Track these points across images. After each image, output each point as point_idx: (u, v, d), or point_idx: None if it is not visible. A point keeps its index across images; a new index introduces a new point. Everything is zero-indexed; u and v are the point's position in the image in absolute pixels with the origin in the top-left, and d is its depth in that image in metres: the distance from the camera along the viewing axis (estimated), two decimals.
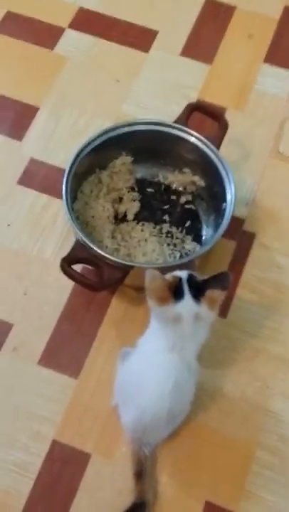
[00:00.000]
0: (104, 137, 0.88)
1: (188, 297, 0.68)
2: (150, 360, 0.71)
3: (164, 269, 0.77)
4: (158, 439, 0.75)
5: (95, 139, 0.87)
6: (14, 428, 0.79)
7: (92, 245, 0.78)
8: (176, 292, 0.68)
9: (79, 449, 0.78)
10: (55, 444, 0.78)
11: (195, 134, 0.88)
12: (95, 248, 0.78)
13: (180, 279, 0.69)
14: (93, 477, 0.76)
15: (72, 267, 0.79)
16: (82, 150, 0.86)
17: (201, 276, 0.71)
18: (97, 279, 0.81)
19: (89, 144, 0.86)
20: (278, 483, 0.77)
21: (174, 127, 0.89)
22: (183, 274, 0.70)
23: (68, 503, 0.75)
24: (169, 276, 0.70)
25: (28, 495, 0.75)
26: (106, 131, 0.88)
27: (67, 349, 0.84)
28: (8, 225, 0.93)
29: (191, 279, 0.70)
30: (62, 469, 0.77)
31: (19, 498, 0.75)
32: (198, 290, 0.68)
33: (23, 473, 0.77)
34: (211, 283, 0.69)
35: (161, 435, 0.75)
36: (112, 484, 0.76)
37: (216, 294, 0.68)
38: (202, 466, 0.78)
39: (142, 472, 0.73)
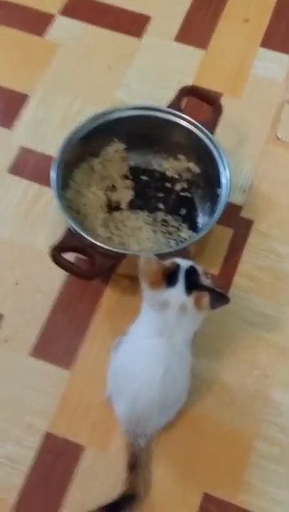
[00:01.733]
0: (95, 123, 0.86)
1: (180, 286, 0.68)
2: (140, 347, 0.70)
3: (158, 257, 0.75)
4: (152, 429, 0.73)
5: (85, 125, 0.85)
6: (6, 421, 0.77)
7: (82, 233, 0.77)
8: (169, 278, 0.68)
9: (72, 442, 0.76)
10: (48, 436, 0.76)
11: (189, 118, 0.86)
12: (84, 235, 0.76)
13: (177, 266, 0.69)
14: (87, 470, 0.75)
15: (65, 256, 0.77)
16: (71, 137, 0.84)
17: (206, 276, 0.71)
18: (90, 268, 0.79)
19: (79, 130, 0.85)
20: (278, 475, 0.75)
21: (167, 112, 0.87)
22: (184, 263, 0.70)
23: (62, 495, 0.73)
24: (167, 261, 0.70)
25: (21, 488, 0.74)
26: (96, 117, 0.86)
27: (60, 340, 0.82)
28: None
29: (192, 271, 0.69)
30: (55, 462, 0.75)
31: (11, 492, 0.73)
32: (193, 284, 0.68)
33: (15, 467, 0.75)
34: (212, 292, 0.68)
35: (156, 425, 0.73)
36: (106, 477, 0.74)
37: (204, 302, 0.68)
38: (200, 458, 0.76)
39: (136, 464, 0.71)
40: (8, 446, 0.76)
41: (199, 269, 0.71)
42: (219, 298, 0.69)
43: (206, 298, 0.68)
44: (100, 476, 0.74)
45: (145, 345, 0.69)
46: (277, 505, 0.73)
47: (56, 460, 0.75)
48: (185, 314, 0.68)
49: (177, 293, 0.68)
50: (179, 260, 0.70)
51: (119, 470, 0.72)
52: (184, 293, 0.68)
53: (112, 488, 0.71)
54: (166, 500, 0.73)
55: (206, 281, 0.71)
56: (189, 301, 0.68)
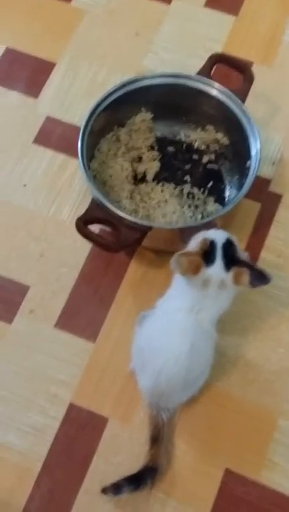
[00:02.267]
0: (122, 92, 0.83)
1: (218, 262, 0.67)
2: (167, 320, 0.69)
3: (183, 231, 0.74)
4: (175, 403, 0.73)
5: (111, 94, 0.83)
6: (31, 390, 0.78)
7: (107, 204, 0.75)
8: (207, 257, 0.67)
9: (96, 413, 0.76)
10: (72, 407, 0.77)
11: (219, 86, 0.84)
12: (111, 207, 0.75)
13: (212, 242, 0.67)
14: (110, 441, 0.75)
15: (90, 227, 0.76)
16: (98, 106, 0.82)
17: (242, 251, 0.69)
18: (115, 240, 0.78)
19: (105, 98, 0.83)
20: None
21: (196, 80, 0.84)
22: (219, 237, 0.68)
23: (85, 466, 0.74)
24: (199, 241, 0.68)
25: (45, 458, 0.75)
26: (123, 85, 0.84)
27: (85, 312, 0.82)
28: (24, 185, 0.90)
29: (228, 245, 0.68)
30: (79, 433, 0.76)
31: (36, 461, 0.75)
32: (232, 259, 0.67)
33: (40, 436, 0.76)
34: (253, 269, 0.67)
35: (178, 400, 0.73)
36: (129, 449, 0.74)
37: (244, 278, 0.67)
38: (223, 434, 0.76)
39: (158, 437, 0.71)
40: (33, 415, 0.77)
41: (234, 240, 0.70)
42: (260, 277, 0.67)
43: (246, 275, 0.67)
44: (123, 447, 0.75)
45: (173, 318, 0.68)
46: None
47: (80, 431, 0.76)
48: (223, 290, 0.68)
49: (217, 270, 0.67)
50: (212, 234, 0.69)
51: (142, 442, 0.73)
52: (223, 269, 0.67)
53: (135, 460, 0.72)
54: (188, 475, 0.73)
55: (243, 255, 0.69)
56: (228, 277, 0.67)
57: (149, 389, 0.71)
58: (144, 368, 0.71)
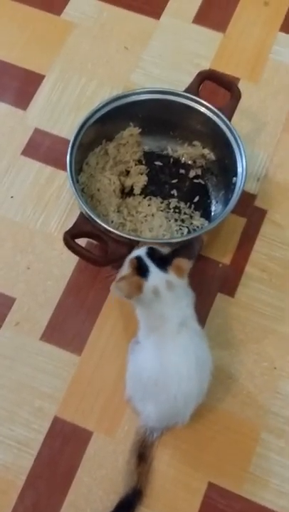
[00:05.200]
0: (111, 106, 0.84)
1: (153, 269, 0.69)
2: (164, 352, 0.69)
3: (170, 245, 0.75)
4: (190, 414, 0.72)
5: (101, 108, 0.84)
6: (16, 403, 0.78)
7: (96, 219, 0.76)
8: (141, 272, 0.68)
9: (81, 427, 0.77)
10: (56, 420, 0.77)
11: (206, 103, 0.85)
12: (100, 222, 0.76)
13: (138, 257, 0.69)
14: (95, 455, 0.75)
15: (77, 241, 0.76)
16: (87, 119, 0.83)
17: (165, 249, 0.71)
18: (102, 254, 0.78)
19: (95, 113, 0.83)
20: (283, 467, 0.75)
21: (184, 96, 0.85)
22: (140, 251, 0.71)
23: (69, 480, 0.74)
24: (127, 265, 0.70)
25: (29, 471, 0.74)
26: (113, 100, 0.84)
27: (71, 325, 0.82)
28: (12, 196, 0.90)
29: (152, 252, 0.70)
30: (63, 446, 0.76)
31: (19, 474, 0.74)
32: (163, 261, 0.69)
33: (24, 449, 0.76)
34: (180, 251, 0.70)
35: (194, 407, 0.72)
36: (113, 462, 0.75)
37: (183, 263, 0.69)
38: (206, 447, 0.76)
39: (145, 455, 0.72)
40: (17, 428, 0.77)
41: (154, 246, 0.72)
42: (189, 247, 0.70)
43: (181, 262, 0.68)
44: (107, 461, 0.75)
45: (168, 347, 0.69)
46: (282, 497, 0.74)
47: (64, 444, 0.76)
48: (174, 290, 0.68)
49: (156, 276, 0.68)
50: (134, 253, 0.71)
51: (126, 456, 0.73)
52: (160, 272, 0.68)
53: (119, 474, 0.72)
54: (171, 488, 0.74)
55: (166, 250, 0.71)
56: (170, 275, 0.68)
57: (161, 414, 0.71)
58: (149, 399, 0.71)
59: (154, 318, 0.69)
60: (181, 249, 0.70)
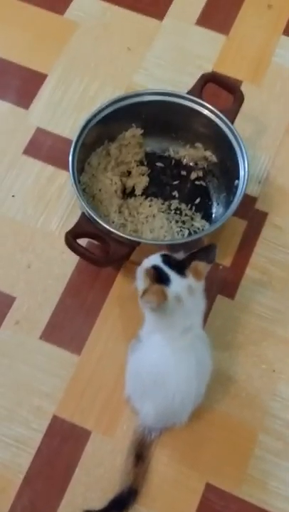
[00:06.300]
0: (114, 107, 0.84)
1: (173, 276, 0.68)
2: (165, 351, 0.69)
3: (171, 247, 0.75)
4: (187, 415, 0.73)
5: (104, 109, 0.84)
6: (15, 402, 0.78)
7: (98, 219, 0.76)
8: (162, 281, 0.68)
9: (79, 426, 0.77)
10: (55, 419, 0.77)
11: (209, 106, 0.85)
12: (101, 222, 0.76)
13: (154, 267, 0.69)
14: (93, 454, 0.75)
15: (78, 241, 0.76)
16: (90, 120, 0.83)
17: (178, 255, 0.71)
18: (103, 255, 0.79)
19: (98, 113, 0.83)
20: (281, 469, 0.76)
21: (187, 98, 0.86)
22: (154, 260, 0.70)
23: (67, 478, 0.74)
24: (143, 275, 0.69)
25: (27, 469, 0.75)
26: (116, 101, 0.84)
27: (70, 325, 0.82)
28: (13, 196, 0.90)
29: (167, 260, 0.70)
30: (62, 445, 0.76)
31: (18, 473, 0.74)
32: (180, 266, 0.69)
33: (22, 448, 0.76)
34: (197, 255, 0.70)
35: (191, 409, 0.73)
36: (111, 462, 0.75)
37: (201, 266, 0.69)
38: (204, 448, 0.76)
39: (143, 455, 0.72)
40: (15, 427, 0.77)
41: (167, 252, 0.72)
42: (209, 250, 0.70)
43: (199, 265, 0.68)
44: (105, 460, 0.75)
45: (171, 348, 0.69)
46: (279, 498, 0.74)
47: (63, 443, 0.76)
48: (194, 294, 0.69)
49: (177, 282, 0.68)
50: (148, 262, 0.70)
51: (124, 455, 0.73)
52: (181, 278, 0.68)
53: (118, 473, 0.72)
54: (169, 488, 0.74)
55: (180, 255, 0.71)
56: (190, 280, 0.68)
57: (159, 413, 0.71)
58: (147, 398, 0.72)
59: (167, 321, 0.69)
60: (200, 252, 0.69)
